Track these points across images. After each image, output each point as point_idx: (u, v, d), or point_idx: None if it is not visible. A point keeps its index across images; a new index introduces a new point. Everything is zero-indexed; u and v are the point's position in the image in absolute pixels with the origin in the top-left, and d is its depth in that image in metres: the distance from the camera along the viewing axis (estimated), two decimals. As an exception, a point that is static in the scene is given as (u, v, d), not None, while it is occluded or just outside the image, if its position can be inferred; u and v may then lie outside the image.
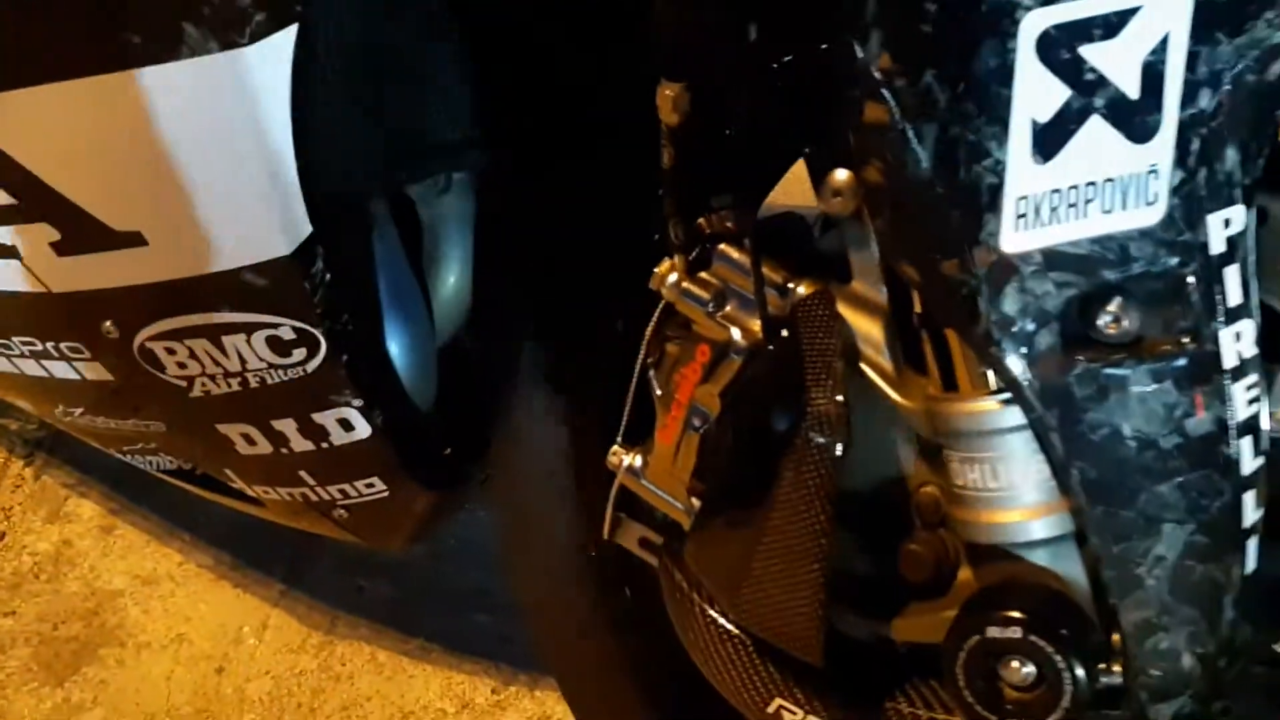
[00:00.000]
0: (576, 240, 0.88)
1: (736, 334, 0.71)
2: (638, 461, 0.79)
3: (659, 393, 0.76)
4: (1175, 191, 0.57)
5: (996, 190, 0.56)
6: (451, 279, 0.98)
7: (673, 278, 0.72)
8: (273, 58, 0.69)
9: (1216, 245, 0.59)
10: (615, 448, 0.80)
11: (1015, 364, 0.59)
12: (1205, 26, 0.55)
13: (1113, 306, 0.59)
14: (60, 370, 0.91)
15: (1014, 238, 0.57)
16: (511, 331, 0.93)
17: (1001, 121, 0.55)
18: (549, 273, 0.91)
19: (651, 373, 0.76)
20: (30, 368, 0.92)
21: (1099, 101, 0.55)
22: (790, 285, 0.70)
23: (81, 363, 0.88)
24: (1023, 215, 0.57)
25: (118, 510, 1.45)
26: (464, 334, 1.00)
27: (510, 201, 0.95)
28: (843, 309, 0.68)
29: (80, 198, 0.75)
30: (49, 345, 0.88)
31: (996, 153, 0.56)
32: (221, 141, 0.72)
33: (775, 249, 0.70)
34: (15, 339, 0.90)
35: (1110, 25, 0.54)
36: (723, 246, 0.71)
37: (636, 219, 0.76)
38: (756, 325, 0.70)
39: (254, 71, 0.69)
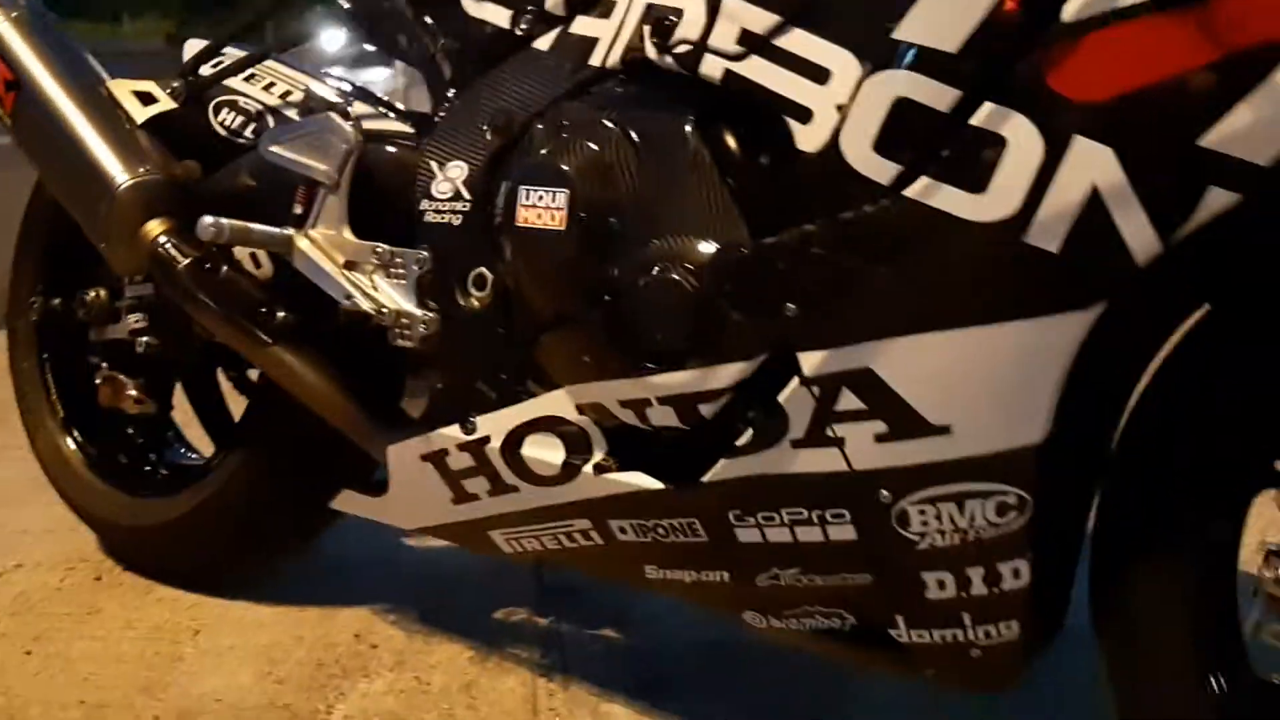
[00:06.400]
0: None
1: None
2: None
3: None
4: None
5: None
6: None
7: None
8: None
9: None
10: None
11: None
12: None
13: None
14: (808, 534, 1.28)
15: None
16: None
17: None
18: None
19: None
20: (778, 535, 1.30)
21: None
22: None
23: (836, 525, 1.25)
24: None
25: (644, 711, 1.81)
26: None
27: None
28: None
29: (927, 412, 1.15)
30: (815, 512, 1.26)
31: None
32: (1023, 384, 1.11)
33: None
34: (785, 509, 1.28)
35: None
36: None
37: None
38: None
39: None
